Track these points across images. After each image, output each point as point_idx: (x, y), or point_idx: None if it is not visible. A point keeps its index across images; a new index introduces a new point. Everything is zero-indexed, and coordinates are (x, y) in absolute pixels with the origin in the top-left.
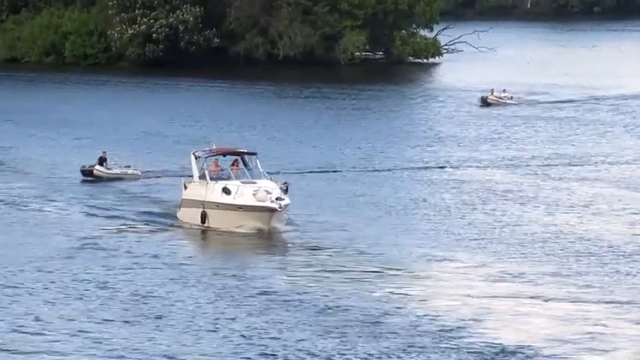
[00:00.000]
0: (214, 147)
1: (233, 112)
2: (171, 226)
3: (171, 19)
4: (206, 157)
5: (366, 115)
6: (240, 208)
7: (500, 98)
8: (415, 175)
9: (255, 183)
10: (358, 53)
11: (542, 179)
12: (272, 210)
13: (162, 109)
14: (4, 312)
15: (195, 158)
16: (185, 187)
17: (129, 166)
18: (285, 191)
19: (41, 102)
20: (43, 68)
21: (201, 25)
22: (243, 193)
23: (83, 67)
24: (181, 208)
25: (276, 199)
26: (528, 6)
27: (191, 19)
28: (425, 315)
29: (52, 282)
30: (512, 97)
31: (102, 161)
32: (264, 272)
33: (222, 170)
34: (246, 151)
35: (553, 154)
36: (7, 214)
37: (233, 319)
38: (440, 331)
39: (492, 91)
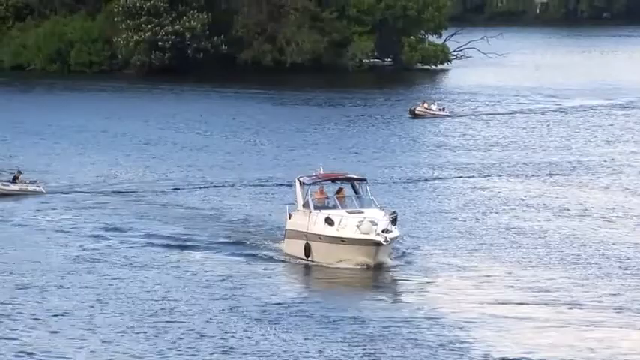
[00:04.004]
0: (322, 172)
1: (241, 120)
2: (274, 259)
3: (177, 26)
4: (310, 184)
5: (374, 123)
6: (344, 240)
7: (430, 110)
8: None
9: (361, 213)
10: (366, 60)
11: (552, 187)
12: (377, 243)
13: (169, 117)
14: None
15: (300, 185)
16: (289, 216)
17: (34, 181)
18: (394, 222)
19: (46, 110)
20: (48, 76)
21: (207, 32)
22: (347, 224)
23: (88, 74)
24: (285, 239)
25: (383, 231)
26: (537, 12)
27: (198, 26)
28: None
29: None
30: (443, 109)
31: (14, 179)
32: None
33: (327, 198)
34: (356, 177)
35: (560, 161)
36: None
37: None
38: (457, 340)
39: (423, 102)
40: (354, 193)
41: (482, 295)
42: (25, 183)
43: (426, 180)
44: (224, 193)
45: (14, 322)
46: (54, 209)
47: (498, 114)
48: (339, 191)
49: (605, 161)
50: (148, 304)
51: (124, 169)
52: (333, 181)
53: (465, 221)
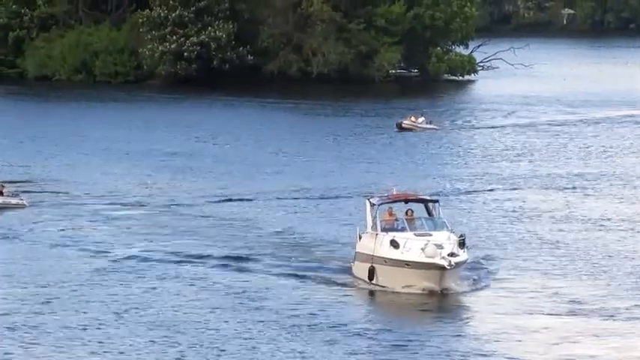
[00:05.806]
0: (394, 192)
1: (266, 131)
2: (341, 283)
3: (202, 37)
4: (379, 205)
5: (399, 135)
6: (408, 264)
7: (416, 123)
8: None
9: (429, 235)
10: (393, 70)
11: (580, 198)
12: (441, 268)
13: (194, 128)
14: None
15: (371, 205)
16: (360, 238)
17: (17, 195)
18: (462, 245)
19: (70, 120)
20: (73, 86)
21: (233, 43)
22: (412, 247)
23: (113, 84)
24: (355, 262)
25: (449, 254)
26: (564, 22)
27: (224, 36)
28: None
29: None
30: (431, 122)
31: None
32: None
33: (396, 220)
34: (429, 198)
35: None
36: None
37: None
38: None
39: (410, 115)
40: (426, 215)
41: (513, 305)
42: (9, 196)
43: (447, 193)
44: (247, 205)
45: (31, 335)
46: (78, 220)
47: (508, 126)
48: (408, 212)
49: (633, 172)
50: (193, 323)
51: (148, 180)
52: (406, 202)
53: (493, 232)
